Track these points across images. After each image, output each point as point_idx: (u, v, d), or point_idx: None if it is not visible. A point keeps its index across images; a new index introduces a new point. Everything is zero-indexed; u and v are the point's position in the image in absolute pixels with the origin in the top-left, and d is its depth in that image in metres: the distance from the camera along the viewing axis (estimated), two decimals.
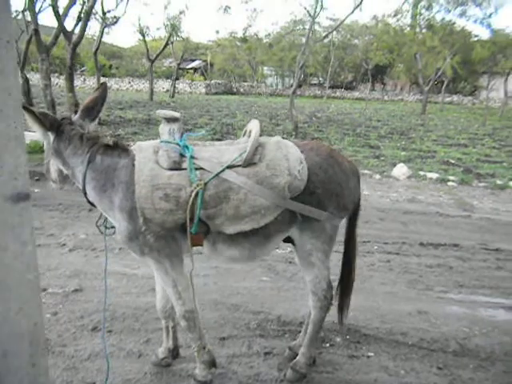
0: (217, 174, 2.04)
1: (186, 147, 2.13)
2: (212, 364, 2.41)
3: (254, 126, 2.21)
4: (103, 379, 2.46)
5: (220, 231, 2.12)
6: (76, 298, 3.35)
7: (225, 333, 2.96)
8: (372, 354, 2.82)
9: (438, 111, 25.56)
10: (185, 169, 2.07)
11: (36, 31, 9.44)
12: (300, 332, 2.79)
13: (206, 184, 2.03)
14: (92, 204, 2.27)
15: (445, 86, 28.24)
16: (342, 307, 2.64)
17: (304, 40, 13.43)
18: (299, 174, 2.09)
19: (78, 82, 37.23)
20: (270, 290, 3.65)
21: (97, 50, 14.07)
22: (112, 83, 39.44)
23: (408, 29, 25.21)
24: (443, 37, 21.51)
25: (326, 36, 17.29)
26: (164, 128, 2.22)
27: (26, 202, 1.06)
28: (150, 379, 2.49)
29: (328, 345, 2.91)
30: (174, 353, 2.62)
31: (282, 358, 2.70)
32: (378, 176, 8.15)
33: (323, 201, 2.17)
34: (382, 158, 9.83)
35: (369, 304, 3.46)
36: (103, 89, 2.34)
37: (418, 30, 23.47)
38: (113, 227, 2.32)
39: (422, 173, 8.34)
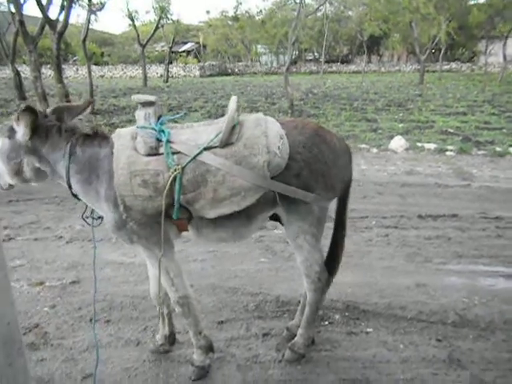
0: (194, 157, 1.98)
1: (162, 131, 2.07)
2: (209, 349, 2.41)
3: (231, 103, 2.12)
4: (103, 369, 2.47)
5: (201, 216, 2.08)
6: (74, 289, 3.35)
7: (223, 316, 2.96)
8: (371, 330, 2.81)
9: (436, 80, 25.17)
10: (162, 154, 2.01)
11: (21, 22, 9.24)
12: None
13: (183, 168, 1.98)
14: (76, 197, 2.23)
15: (442, 53, 27.77)
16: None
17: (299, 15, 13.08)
18: (279, 151, 2.01)
19: (70, 72, 36.94)
20: (268, 271, 3.64)
21: (85, 38, 13.77)
22: (105, 71, 39.02)
23: None
24: (438, 2, 20.98)
25: (318, 9, 16.83)
26: (139, 113, 2.15)
27: None
28: (148, 367, 2.50)
29: (327, 322, 2.91)
30: (171, 339, 2.62)
31: (280, 339, 2.70)
32: (375, 150, 8.06)
33: (309, 182, 2.09)
34: (380, 132, 9.72)
35: (367, 279, 3.45)
36: (86, 104, 2.28)
37: None
38: (99, 217, 2.29)
39: (419, 144, 8.25)
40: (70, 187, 2.18)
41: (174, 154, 2.01)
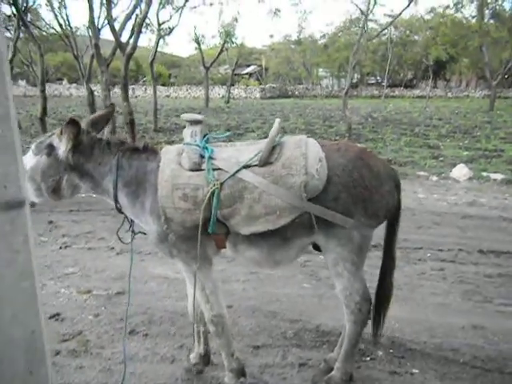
0: (233, 174, 2.02)
1: (206, 148, 2.12)
2: (241, 372, 2.34)
3: (274, 125, 2.15)
4: (136, 383, 2.49)
5: (237, 232, 2.07)
6: (118, 300, 3.44)
7: (259, 341, 2.89)
8: (417, 371, 2.60)
9: (508, 107, 23.69)
10: (204, 169, 2.06)
11: (96, 45, 10.00)
12: None
13: (222, 184, 2.00)
14: (119, 210, 2.28)
15: None
16: (376, 322, 2.44)
17: (362, 40, 13.02)
18: (317, 173, 1.97)
19: (139, 92, 39.30)
20: (310, 298, 3.52)
21: (153, 60, 14.63)
22: (171, 91, 41.09)
23: (473, 20, 23.68)
24: None
25: (380, 33, 16.62)
26: (187, 131, 2.23)
27: (18, 210, 1.06)
28: None
29: (368, 358, 2.73)
30: (206, 359, 2.59)
31: (317, 371, 2.57)
32: (434, 178, 7.67)
33: (348, 206, 2.02)
34: (441, 159, 9.25)
35: (417, 316, 3.22)
36: (111, 109, 2.41)
37: (483, 20, 21.90)
38: (139, 232, 2.35)
39: (485, 174, 7.73)
40: (116, 201, 2.24)
41: (214, 170, 2.06)
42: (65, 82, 46.07)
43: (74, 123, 2.08)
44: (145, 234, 2.39)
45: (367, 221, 2.08)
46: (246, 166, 2.04)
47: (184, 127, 2.31)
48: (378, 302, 2.38)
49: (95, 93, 14.95)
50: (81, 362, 2.67)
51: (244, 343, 2.85)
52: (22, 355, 1.11)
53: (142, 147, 2.28)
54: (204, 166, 2.07)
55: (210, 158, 2.09)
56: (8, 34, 15.22)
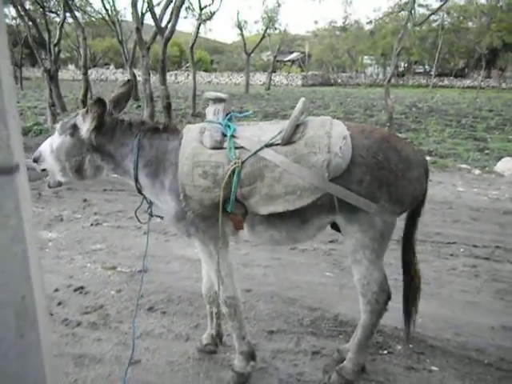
0: (255, 153, 1.97)
1: (228, 126, 2.09)
2: (251, 356, 2.33)
3: (298, 104, 2.07)
4: (149, 358, 2.54)
5: (255, 212, 2.03)
6: (140, 277, 3.50)
7: (274, 326, 2.86)
8: (436, 369, 2.49)
9: None
10: (226, 148, 2.03)
11: (138, 30, 10.16)
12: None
13: (243, 162, 1.97)
14: (140, 191, 2.29)
15: None
16: (407, 316, 2.37)
17: (409, 26, 12.46)
18: (340, 151, 1.89)
19: (182, 78, 39.84)
20: (331, 287, 3.45)
21: (193, 45, 14.78)
22: (212, 77, 41.35)
23: None
24: None
25: (427, 18, 15.79)
26: (209, 109, 2.20)
27: (9, 176, 1.06)
28: (191, 364, 2.50)
29: (386, 352, 2.64)
30: (217, 340, 2.60)
31: (330, 360, 2.52)
32: (477, 171, 7.27)
33: (372, 190, 1.92)
34: (487, 152, 8.76)
35: (443, 312, 3.08)
36: (130, 84, 2.37)
37: None
38: (157, 216, 2.36)
39: None
40: (136, 181, 2.23)
41: (236, 148, 2.02)
42: (111, 66, 47.42)
43: (100, 102, 2.08)
44: (162, 217, 2.40)
45: (391, 207, 1.98)
46: (269, 145, 1.99)
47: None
48: (405, 297, 2.32)
49: (138, 78, 15.28)
50: (99, 335, 2.75)
51: (259, 327, 2.83)
52: (12, 320, 1.13)
53: (163, 127, 2.27)
54: (226, 145, 2.04)
55: (232, 136, 2.05)
56: (57, 19, 15.81)
